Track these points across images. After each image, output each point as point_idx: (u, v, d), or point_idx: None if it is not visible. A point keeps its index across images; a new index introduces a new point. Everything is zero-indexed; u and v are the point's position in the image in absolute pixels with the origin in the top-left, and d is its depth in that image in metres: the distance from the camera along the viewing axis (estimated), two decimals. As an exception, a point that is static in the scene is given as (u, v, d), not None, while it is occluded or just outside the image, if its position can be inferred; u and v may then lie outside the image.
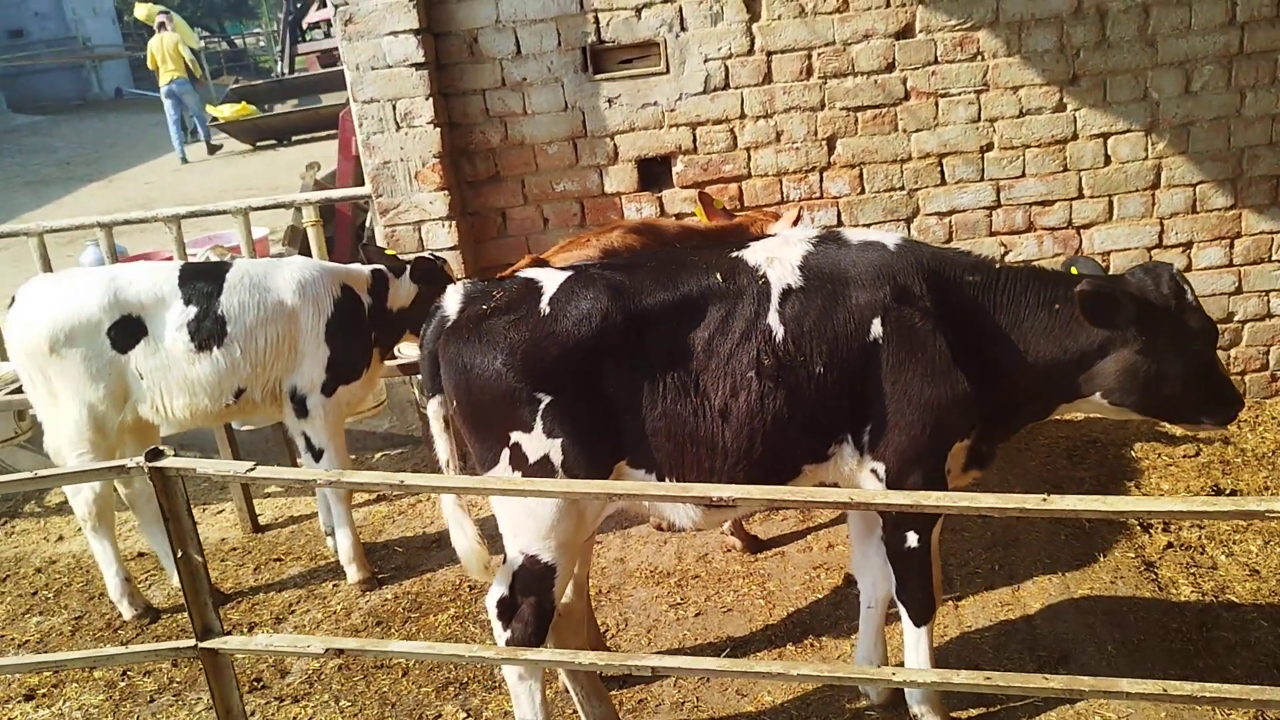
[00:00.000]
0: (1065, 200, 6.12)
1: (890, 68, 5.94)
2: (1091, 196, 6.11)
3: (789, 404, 3.40)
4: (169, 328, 4.88)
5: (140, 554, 5.99)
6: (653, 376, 3.39)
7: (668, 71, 5.99)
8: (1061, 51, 5.88)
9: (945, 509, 2.63)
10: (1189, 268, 6.19)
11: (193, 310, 4.89)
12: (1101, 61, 5.89)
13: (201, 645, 3.34)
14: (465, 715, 4.27)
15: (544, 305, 3.43)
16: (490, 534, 3.67)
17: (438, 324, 3.53)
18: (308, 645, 3.26)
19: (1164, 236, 6.16)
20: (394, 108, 5.88)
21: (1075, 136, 6.02)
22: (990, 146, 6.05)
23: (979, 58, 5.91)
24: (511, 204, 6.23)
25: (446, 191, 5.99)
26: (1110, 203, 6.12)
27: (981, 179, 6.09)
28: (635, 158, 6.14)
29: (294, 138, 21.50)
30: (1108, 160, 6.05)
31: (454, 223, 6.03)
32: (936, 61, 5.93)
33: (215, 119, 20.88)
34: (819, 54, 5.93)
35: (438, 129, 5.90)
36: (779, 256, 3.51)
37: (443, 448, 3.60)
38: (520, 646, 3.42)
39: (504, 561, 3.61)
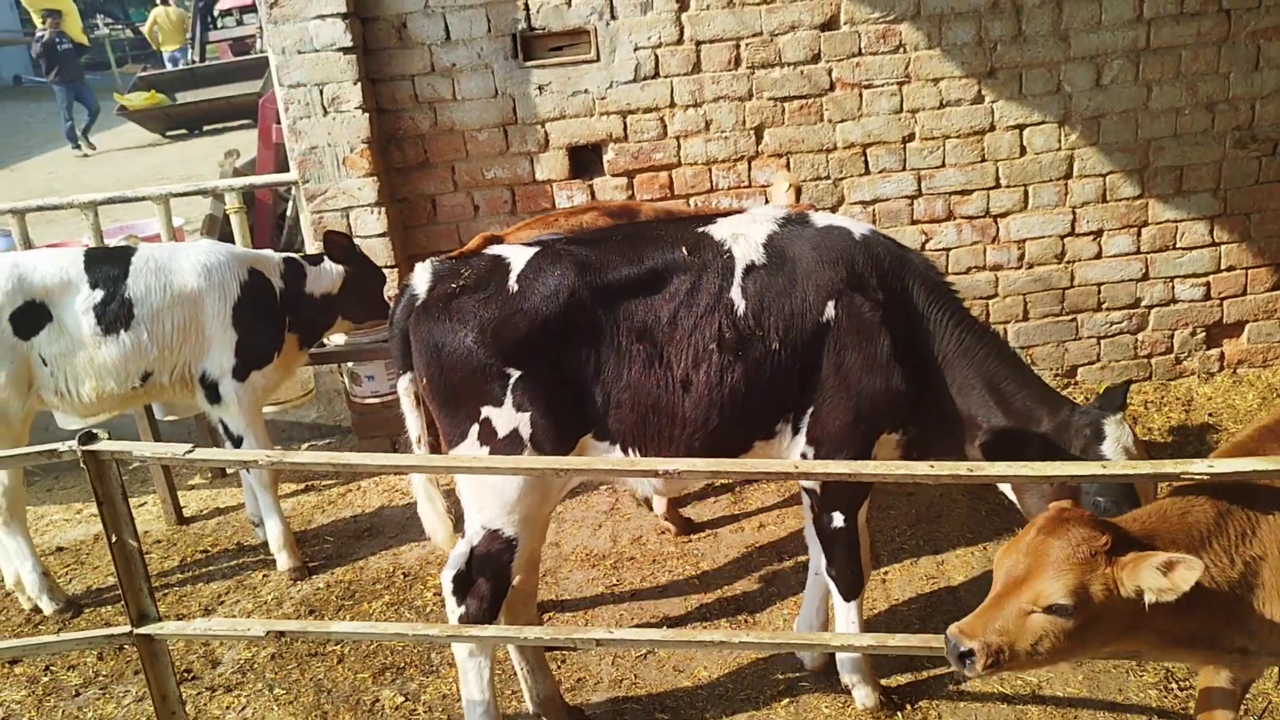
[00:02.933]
0: (983, 190, 6.31)
1: (816, 59, 6.06)
2: (1008, 186, 6.31)
3: (746, 377, 3.47)
4: (75, 312, 4.80)
5: (59, 548, 5.84)
6: (619, 349, 3.45)
7: (598, 59, 6.02)
8: (980, 45, 6.06)
9: (881, 478, 2.72)
10: (1099, 255, 6.44)
11: (99, 294, 4.82)
12: (1018, 55, 6.09)
13: (138, 632, 3.29)
14: (403, 699, 4.27)
15: (512, 282, 3.48)
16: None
17: (407, 302, 3.57)
18: (248, 628, 3.23)
19: (1076, 225, 6.40)
20: (321, 92, 5.81)
21: (993, 128, 6.21)
22: (912, 137, 6.21)
23: (901, 50, 6.06)
24: (442, 190, 6.20)
25: (375, 177, 5.94)
26: (1026, 192, 6.33)
27: (904, 169, 6.25)
28: (566, 145, 6.16)
29: (205, 127, 20.97)
30: (1023, 151, 6.26)
31: (383, 209, 5.98)
32: (860, 53, 6.06)
33: (124, 107, 20.26)
34: (747, 44, 6.02)
35: (366, 114, 5.85)
36: (744, 233, 3.59)
37: (413, 424, 3.67)
38: (474, 623, 3.44)
39: (462, 536, 3.63)
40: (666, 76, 6.06)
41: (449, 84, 6.02)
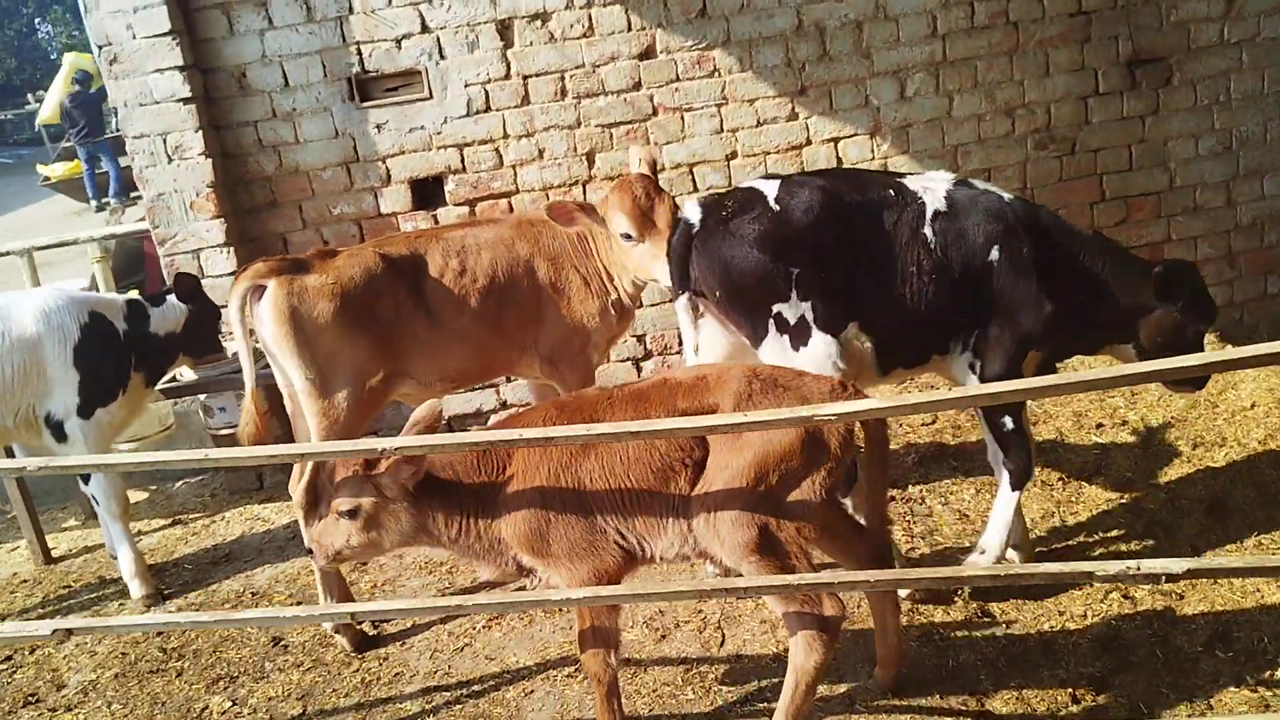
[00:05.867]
0: (807, 200, 6.69)
1: (637, 86, 6.46)
2: (830, 196, 6.70)
3: (934, 296, 4.22)
4: None
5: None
6: (858, 257, 4.20)
7: (431, 97, 6.38)
8: (789, 65, 6.48)
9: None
10: (922, 256, 6.84)
11: None
12: (825, 73, 6.52)
13: (-66, 639, 3.52)
14: (232, 704, 4.49)
15: (773, 204, 4.19)
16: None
17: (684, 231, 4.27)
18: (35, 629, 3.47)
19: (897, 229, 6.79)
20: (164, 141, 6.12)
21: (809, 141, 6.62)
22: (734, 155, 6.60)
23: (716, 74, 6.47)
24: (291, 228, 6.52)
25: (223, 219, 6.24)
26: (847, 200, 6.72)
27: (729, 184, 6.62)
28: (408, 179, 6.50)
29: (133, 194, 21.17)
30: (840, 161, 6.67)
31: (232, 249, 6.27)
32: (678, 79, 6.47)
33: (48, 179, 20.48)
34: (571, 76, 6.40)
35: (209, 159, 6.16)
36: (930, 188, 4.35)
37: (689, 336, 4.43)
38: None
39: None
40: (498, 110, 6.42)
41: (290, 128, 6.36)
